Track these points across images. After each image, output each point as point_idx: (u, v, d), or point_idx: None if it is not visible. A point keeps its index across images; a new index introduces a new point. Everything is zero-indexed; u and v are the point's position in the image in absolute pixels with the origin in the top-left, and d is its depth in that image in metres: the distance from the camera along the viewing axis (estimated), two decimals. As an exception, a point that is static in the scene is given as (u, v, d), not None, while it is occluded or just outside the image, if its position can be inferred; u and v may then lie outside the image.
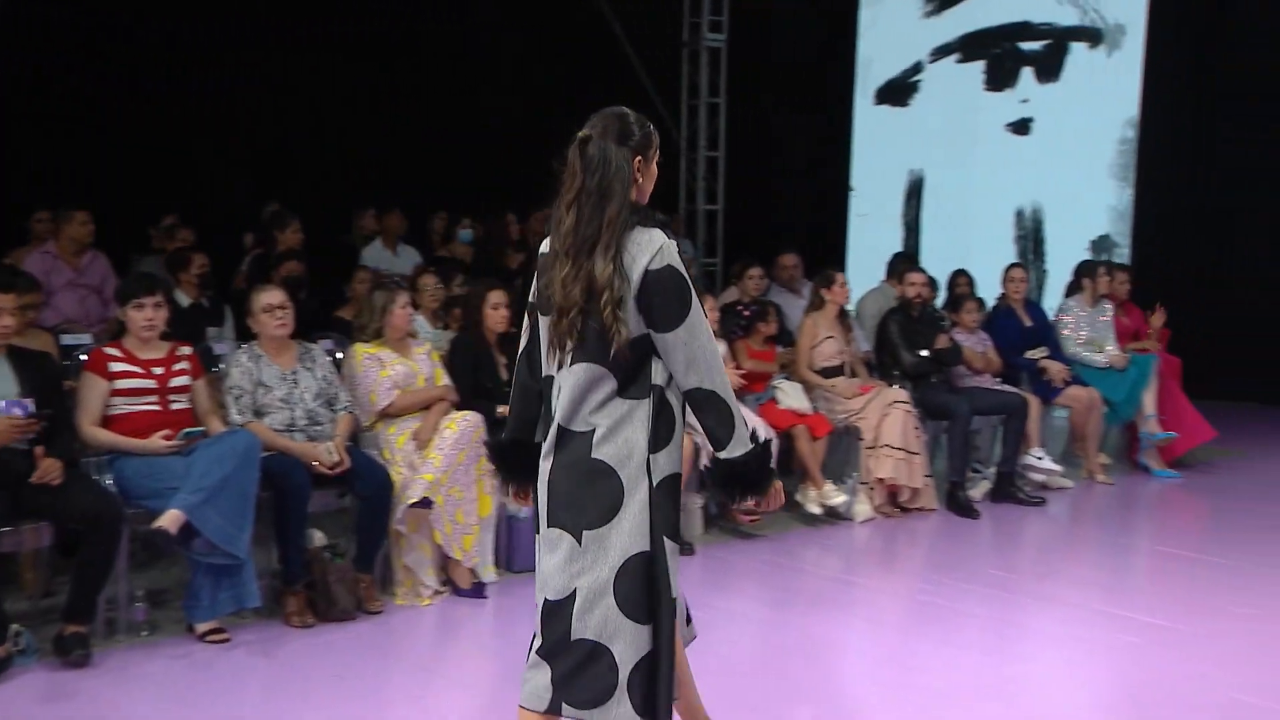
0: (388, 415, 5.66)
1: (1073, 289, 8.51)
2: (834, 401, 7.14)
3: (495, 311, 6.09)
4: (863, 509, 6.93)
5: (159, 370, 5.07)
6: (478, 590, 5.51)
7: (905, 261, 8.44)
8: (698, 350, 3.02)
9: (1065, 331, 8.33)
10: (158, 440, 4.91)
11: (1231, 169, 10.72)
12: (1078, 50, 10.76)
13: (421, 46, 12.13)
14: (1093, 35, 10.62)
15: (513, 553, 5.90)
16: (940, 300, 8.34)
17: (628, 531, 3.03)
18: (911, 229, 12.08)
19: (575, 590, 3.04)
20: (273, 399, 5.31)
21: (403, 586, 5.44)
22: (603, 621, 3.03)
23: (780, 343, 7.83)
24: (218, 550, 4.73)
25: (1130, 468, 8.36)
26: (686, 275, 3.04)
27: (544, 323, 3.14)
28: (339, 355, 6.01)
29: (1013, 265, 8.45)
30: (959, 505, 7.15)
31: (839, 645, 5.06)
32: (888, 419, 6.94)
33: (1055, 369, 7.96)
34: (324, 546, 5.23)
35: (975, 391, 7.57)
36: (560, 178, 3.14)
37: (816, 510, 6.81)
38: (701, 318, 3.04)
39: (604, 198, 3.06)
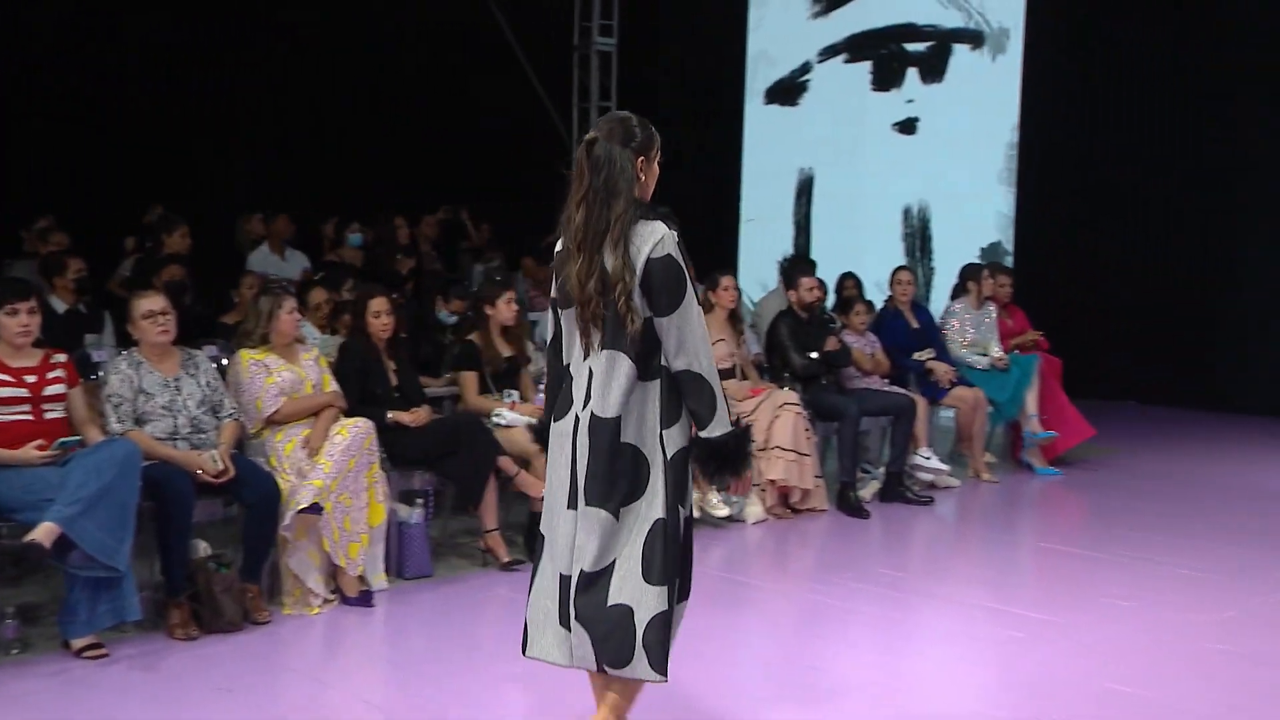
0: (274, 422, 5.55)
1: (958, 291, 8.68)
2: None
3: (377, 319, 6.01)
4: (754, 510, 6.98)
5: (31, 379, 4.90)
6: (366, 598, 5.43)
7: (798, 267, 8.50)
8: (688, 334, 3.31)
9: (951, 333, 8.49)
10: (31, 450, 4.75)
11: (1109, 173, 11.03)
12: (961, 52, 10.99)
13: (311, 49, 11.95)
14: (975, 37, 10.85)
15: (404, 560, 5.83)
16: (829, 302, 8.44)
17: (650, 503, 3.35)
18: (802, 228, 12.22)
19: (615, 561, 3.35)
20: (154, 407, 5.17)
21: (291, 596, 5.34)
22: (632, 586, 3.33)
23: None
24: (96, 563, 4.58)
25: (1014, 466, 8.55)
26: (684, 265, 3.33)
27: (565, 315, 3.46)
28: (224, 361, 5.88)
29: (900, 268, 8.59)
30: (849, 505, 7.24)
31: (732, 646, 5.08)
32: (778, 421, 7.00)
33: (942, 370, 8.11)
34: (209, 557, 5.11)
35: (864, 393, 7.67)
36: (569, 179, 3.43)
37: (696, 514, 6.83)
38: (694, 305, 3.33)
39: (610, 195, 3.35)
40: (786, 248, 12.32)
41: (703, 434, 3.37)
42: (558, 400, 3.50)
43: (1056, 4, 10.60)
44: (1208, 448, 9.35)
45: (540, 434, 3.68)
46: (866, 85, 11.63)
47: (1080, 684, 4.58)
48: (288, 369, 5.63)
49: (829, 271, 9.32)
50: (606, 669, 3.40)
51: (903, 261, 11.08)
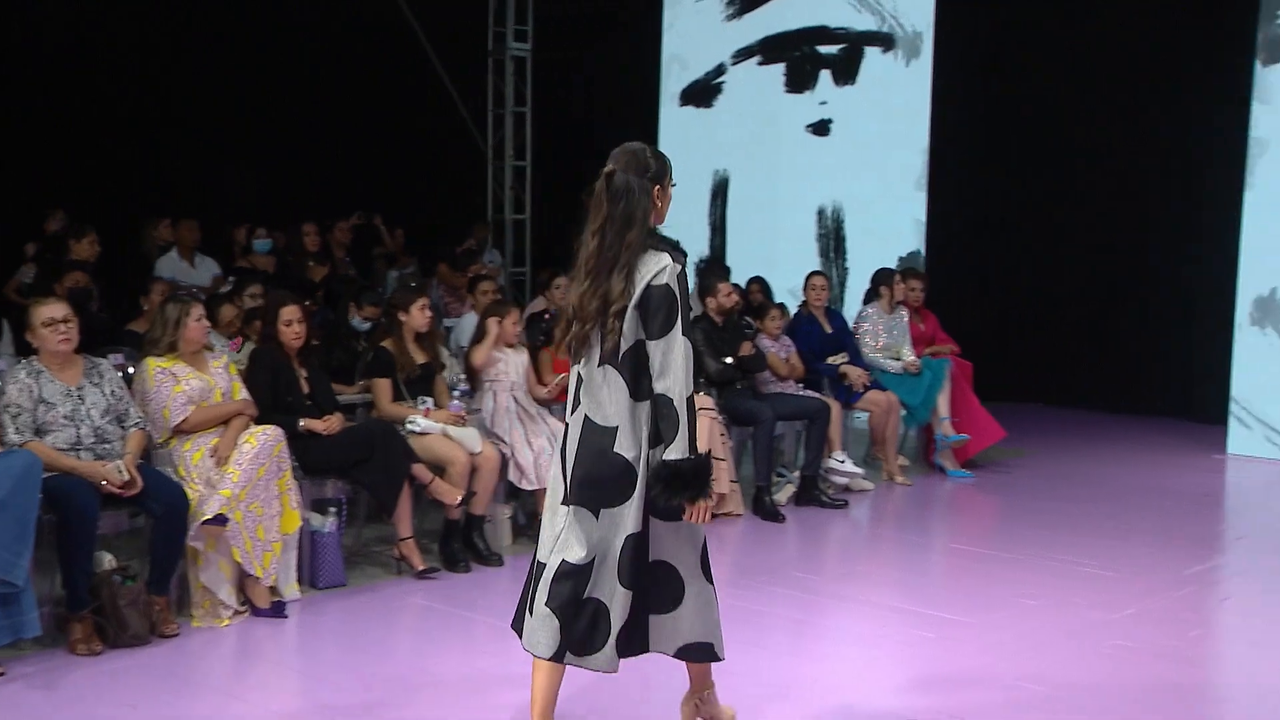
0: (183, 431, 5.45)
1: (870, 296, 8.77)
2: (642, 409, 7.19)
3: (289, 328, 5.93)
4: (671, 515, 6.99)
5: (-72, 388, 4.77)
6: (278, 609, 5.35)
7: (714, 273, 8.54)
8: (670, 361, 3.51)
9: (864, 338, 8.58)
10: (-73, 462, 4.61)
11: (1017, 180, 11.21)
12: (873, 55, 11.13)
13: (220, 52, 11.76)
14: (886, 40, 10.99)
15: (317, 569, 5.75)
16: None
17: (631, 513, 3.58)
18: (717, 229, 12.28)
19: (594, 559, 3.59)
20: (56, 417, 5.05)
21: (200, 608, 5.24)
22: (608, 585, 3.59)
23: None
24: (-6, 578, 4.47)
25: (927, 469, 8.65)
26: (679, 296, 3.54)
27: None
28: (130, 370, 5.77)
29: (814, 273, 8.67)
30: (764, 509, 7.29)
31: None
32: (694, 426, 7.01)
33: (855, 374, 8.19)
34: (114, 569, 5.00)
35: (779, 397, 7.73)
36: (586, 206, 3.65)
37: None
38: (680, 336, 3.52)
39: (626, 224, 3.58)
40: (702, 249, 12.38)
41: (664, 456, 3.53)
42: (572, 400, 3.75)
43: (964, 10, 10.76)
44: (1112, 448, 9.54)
45: None
46: (780, 87, 11.74)
47: (989, 681, 4.66)
48: (196, 377, 5.53)
49: (744, 275, 9.37)
50: (568, 657, 3.62)
51: (817, 263, 11.18)
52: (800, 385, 8.00)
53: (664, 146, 12.56)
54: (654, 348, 3.52)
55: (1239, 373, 9.27)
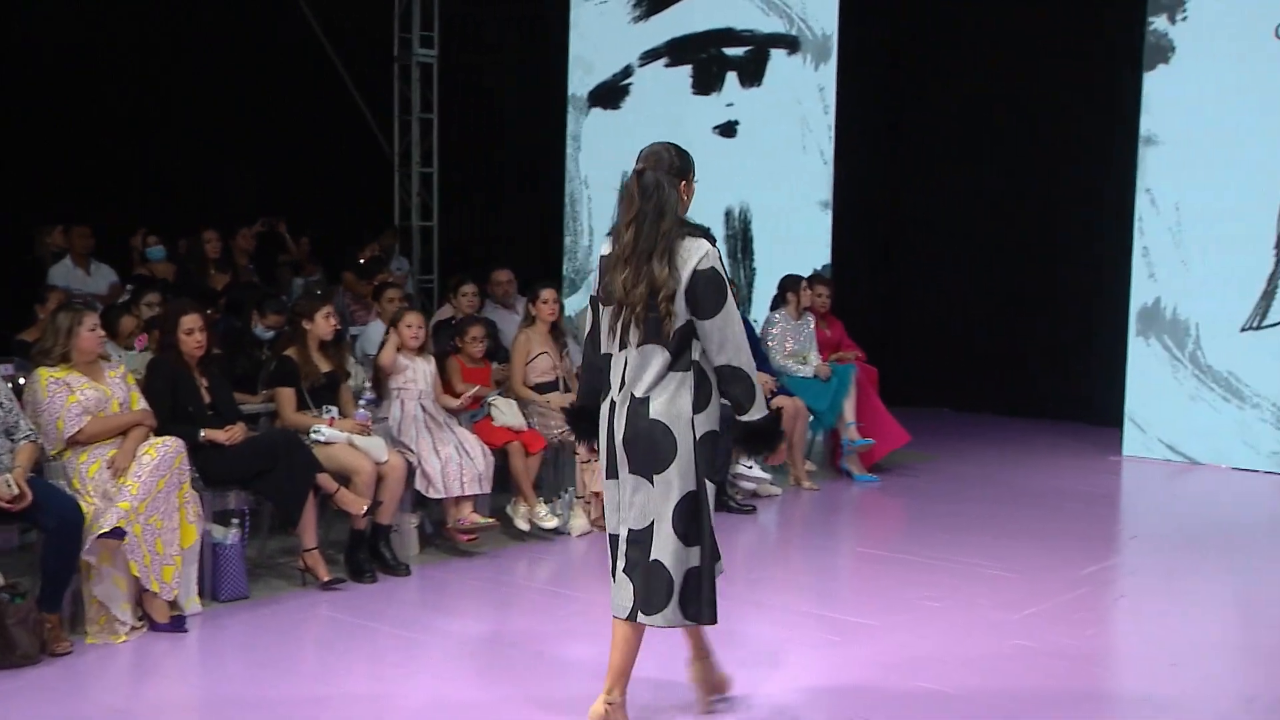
0: (78, 442, 5.31)
1: (777, 302, 8.84)
2: (549, 417, 7.17)
3: (190, 337, 5.81)
4: (579, 523, 6.98)
5: None
6: (177, 624, 5.23)
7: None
8: (730, 334, 3.89)
9: (771, 343, 8.64)
10: None
11: (922, 184, 11.37)
12: (779, 57, 11.23)
13: (119, 55, 11.51)
14: (792, 43, 11.10)
15: (219, 582, 5.65)
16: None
17: (681, 474, 3.90)
18: None
19: (653, 522, 3.92)
20: (-58, 429, 4.90)
21: (95, 624, 5.11)
22: (667, 545, 3.91)
23: (496, 359, 7.82)
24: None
25: (834, 473, 8.73)
26: (725, 276, 3.91)
27: (605, 312, 4.02)
28: (21, 380, 5.61)
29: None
30: (673, 515, 7.29)
31: (558, 660, 5.07)
32: (603, 433, 7.02)
33: (763, 380, 8.23)
34: (2, 587, 4.85)
35: (687, 404, 7.74)
36: (620, 201, 4.01)
37: (525, 526, 6.82)
38: (734, 309, 3.91)
39: (659, 215, 3.90)
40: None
41: (743, 418, 3.97)
42: (600, 385, 4.08)
43: (868, 14, 10.88)
44: (1014, 452, 9.71)
45: (573, 415, 4.34)
46: (687, 89, 11.81)
47: (894, 684, 4.71)
48: (92, 387, 5.40)
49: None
50: (642, 617, 3.96)
51: (725, 263, 11.26)
52: (708, 392, 8.02)
53: (572, 149, 12.65)
54: (710, 326, 3.88)
55: (1132, 377, 9.50)
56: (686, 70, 11.77)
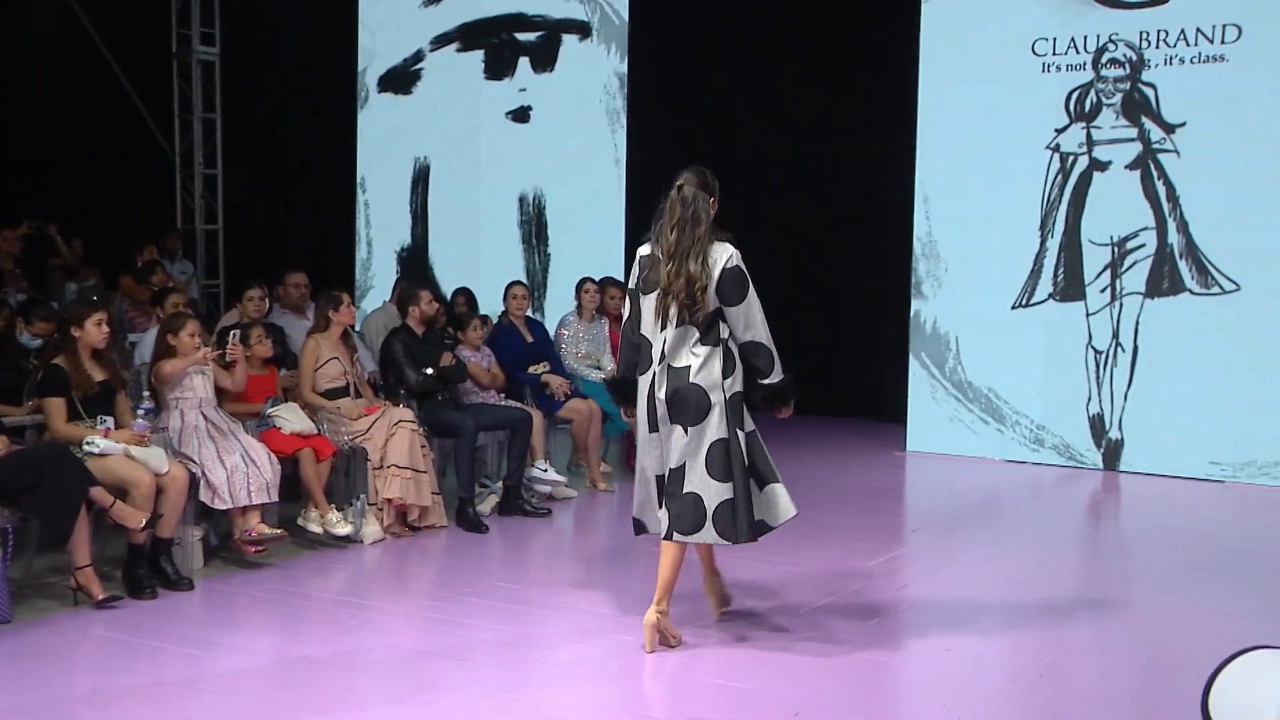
0: None
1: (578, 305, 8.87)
2: (339, 423, 7.04)
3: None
4: (371, 530, 6.86)
5: None
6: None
7: (415, 283, 8.40)
8: (752, 317, 4.95)
9: (563, 347, 8.66)
10: None
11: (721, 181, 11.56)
12: (571, 43, 11.29)
13: None
14: (583, 28, 11.17)
15: (-19, 605, 5.33)
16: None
17: (713, 426, 4.90)
18: (419, 218, 12.17)
19: (685, 462, 4.90)
20: None
21: None
22: (700, 480, 4.90)
23: (285, 365, 7.62)
24: None
25: (630, 475, 8.75)
26: (745, 273, 4.93)
27: (646, 300, 5.03)
28: None
29: (514, 283, 8.70)
30: (468, 521, 7.25)
31: (352, 670, 4.96)
32: (394, 439, 6.92)
33: (556, 383, 8.26)
34: None
35: (480, 408, 7.71)
36: (662, 209, 5.02)
37: (317, 530, 6.67)
38: (755, 298, 4.95)
39: (695, 223, 4.93)
40: (404, 238, 12.24)
41: (764, 381, 4.99)
42: (639, 360, 5.06)
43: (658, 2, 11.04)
44: (805, 449, 9.96)
45: (617, 387, 5.38)
46: (480, 74, 11.76)
47: (684, 681, 4.79)
48: None
49: (448, 270, 9.29)
50: (677, 536, 4.93)
51: (519, 250, 11.30)
52: (502, 395, 8.00)
53: (364, 135, 12.44)
54: (737, 311, 4.92)
55: (913, 374, 9.89)
56: (479, 55, 11.73)
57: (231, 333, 6.79)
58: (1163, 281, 8.89)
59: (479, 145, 11.80)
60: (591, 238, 11.18)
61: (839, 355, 11.14)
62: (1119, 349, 9.05)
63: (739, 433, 4.93)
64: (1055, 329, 9.29)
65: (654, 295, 4.98)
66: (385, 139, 12.27)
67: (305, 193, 13.36)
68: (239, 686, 4.74)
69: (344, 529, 6.69)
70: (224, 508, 6.22)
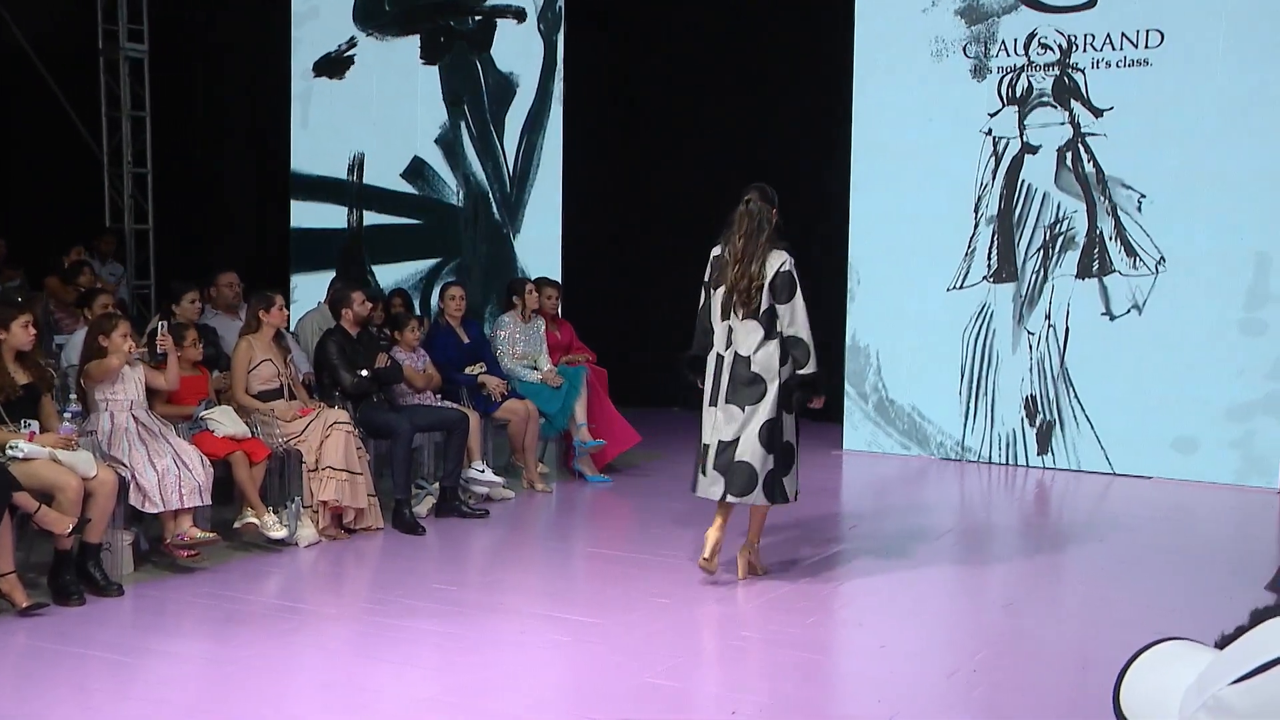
0: None
1: (506, 305, 8.84)
2: (273, 425, 6.95)
3: None
4: (307, 533, 6.78)
5: None
6: None
7: (349, 284, 8.30)
8: (796, 315, 5.80)
9: (500, 347, 8.63)
10: None
11: (649, 178, 11.55)
12: (507, 27, 11.27)
13: None
14: (519, 13, 11.15)
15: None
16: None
17: (766, 407, 5.79)
18: (355, 204, 12.09)
19: (740, 436, 5.80)
20: None
21: None
22: (751, 451, 5.78)
23: (218, 367, 7.52)
24: None
25: (567, 475, 8.80)
26: (795, 276, 5.81)
27: (716, 294, 5.91)
28: None
29: (450, 284, 8.65)
30: (404, 523, 7.19)
31: (287, 674, 4.90)
32: (329, 440, 6.85)
33: (493, 384, 8.22)
34: None
35: (416, 409, 7.66)
36: (732, 219, 5.91)
37: (255, 529, 6.59)
38: (800, 299, 5.79)
39: (759, 232, 5.82)
40: (340, 225, 12.14)
41: (800, 372, 5.82)
42: (713, 344, 5.94)
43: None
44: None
45: (688, 361, 6.11)
46: (416, 59, 11.70)
47: (620, 681, 4.78)
48: None
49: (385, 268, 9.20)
50: (731, 498, 5.83)
51: (460, 237, 11.29)
52: (438, 396, 7.95)
53: (297, 125, 12.29)
54: (785, 309, 5.78)
55: (850, 372, 9.97)
56: (415, 40, 11.68)
57: (161, 323, 6.68)
58: (1093, 264, 9.03)
59: (415, 132, 11.72)
60: (528, 234, 11.19)
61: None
62: (1050, 330, 9.18)
63: (784, 415, 5.83)
64: (988, 311, 9.38)
65: (722, 290, 5.87)
66: (320, 131, 12.13)
67: (239, 190, 13.20)
68: (170, 694, 4.67)
69: (279, 532, 6.62)
70: (155, 511, 6.12)
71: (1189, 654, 1.35)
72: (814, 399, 5.90)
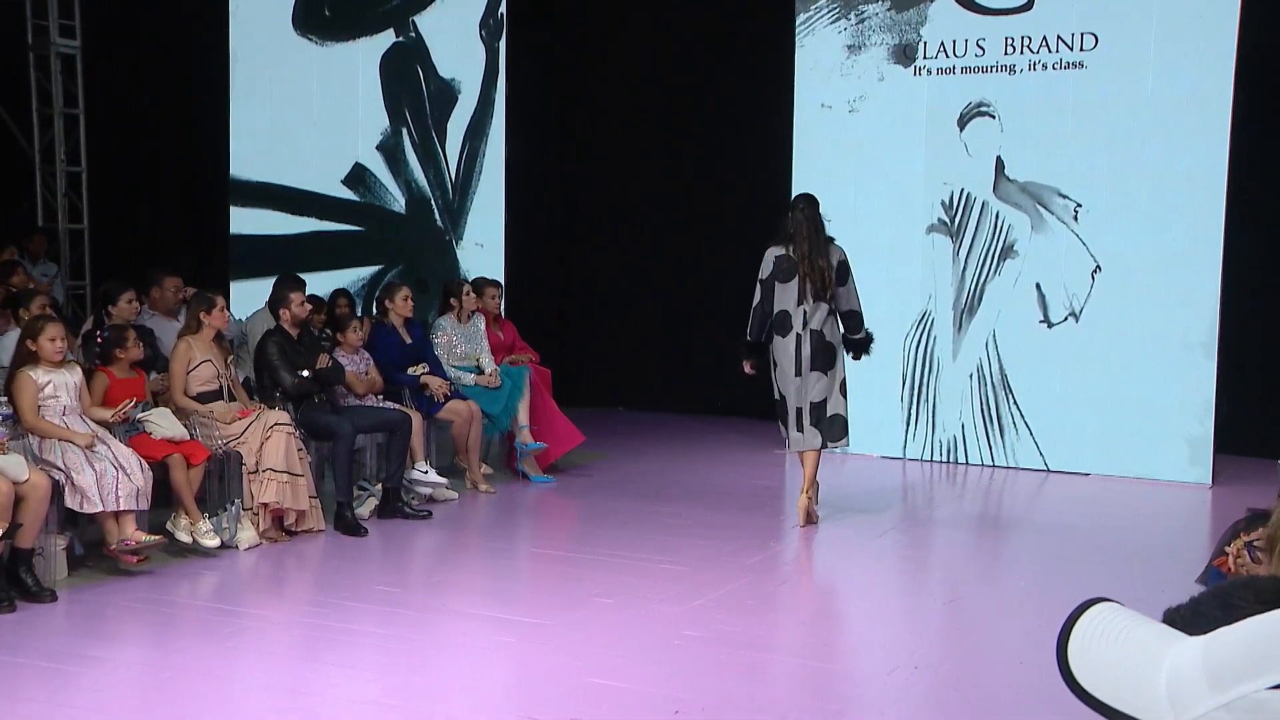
0: None
1: (445, 307, 8.79)
2: (213, 427, 6.87)
3: None
4: (247, 535, 6.71)
5: None
6: None
7: (288, 284, 8.21)
8: (851, 294, 7.13)
9: (439, 350, 8.57)
10: None
11: (594, 183, 11.56)
12: (448, 34, 11.21)
13: None
14: (460, 20, 11.10)
15: None
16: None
17: (839, 368, 7.11)
18: (296, 210, 11.98)
19: (827, 397, 7.07)
20: None
21: None
22: (839, 404, 7.11)
23: (157, 369, 7.41)
24: None
25: (511, 476, 8.76)
26: (849, 265, 7.12)
27: (783, 286, 7.05)
28: None
29: (396, 284, 8.58)
30: (346, 524, 7.13)
31: (227, 679, 4.85)
32: (270, 442, 6.77)
33: (436, 384, 8.17)
34: None
35: (358, 410, 7.60)
36: (787, 224, 7.14)
37: (187, 539, 6.50)
38: (853, 282, 7.15)
39: (818, 231, 7.07)
40: (277, 224, 11.99)
41: (853, 337, 7.19)
42: (779, 327, 7.08)
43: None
44: (687, 449, 10.03)
45: (747, 346, 7.26)
46: (357, 64, 11.61)
47: (563, 681, 4.77)
48: None
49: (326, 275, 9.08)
50: (829, 445, 7.15)
51: (404, 243, 11.25)
52: (380, 397, 7.89)
53: (236, 130, 12.12)
54: (843, 290, 7.08)
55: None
56: (355, 45, 11.58)
57: (123, 405, 6.42)
58: (1031, 272, 9.14)
59: (356, 137, 11.63)
60: (470, 239, 11.15)
61: (720, 354, 11.21)
62: (991, 337, 9.29)
63: (845, 374, 7.17)
64: (929, 319, 9.47)
65: (793, 282, 6.99)
66: (259, 135, 11.97)
67: (177, 189, 13.01)
68: (105, 702, 4.60)
69: (212, 541, 6.51)
70: (94, 511, 6.01)
71: (1137, 625, 1.33)
72: (864, 354, 7.34)
